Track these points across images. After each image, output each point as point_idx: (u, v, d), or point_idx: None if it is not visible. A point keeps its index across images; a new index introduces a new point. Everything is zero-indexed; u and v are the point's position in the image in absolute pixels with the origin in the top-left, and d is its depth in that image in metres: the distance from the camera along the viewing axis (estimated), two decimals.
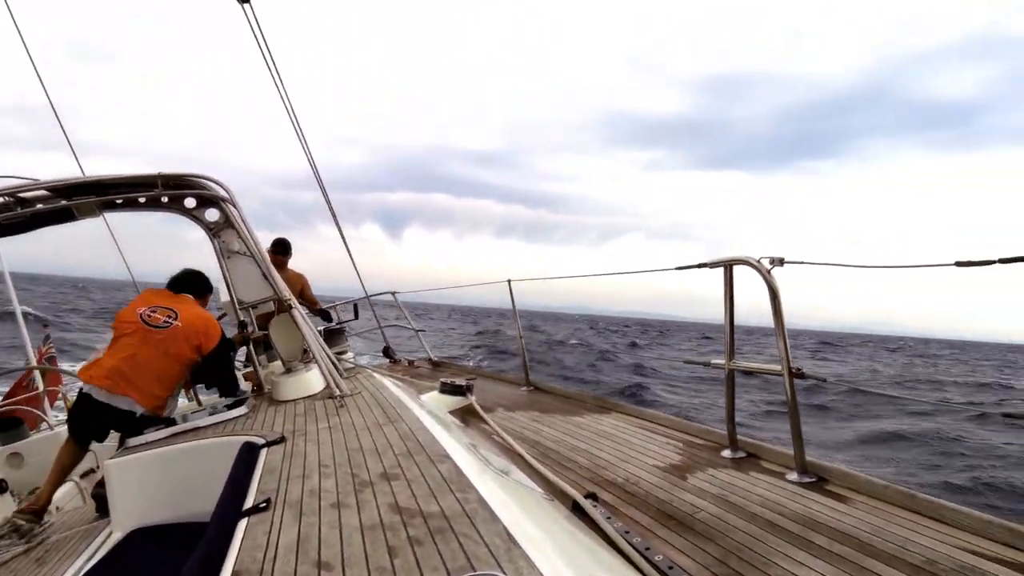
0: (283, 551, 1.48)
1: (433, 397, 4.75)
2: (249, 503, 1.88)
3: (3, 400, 6.40)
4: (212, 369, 3.79)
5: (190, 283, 3.89)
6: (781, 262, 2.76)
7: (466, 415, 4.48)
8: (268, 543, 1.54)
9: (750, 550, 2.22)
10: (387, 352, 8.49)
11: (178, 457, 3.00)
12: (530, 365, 5.92)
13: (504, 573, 1.22)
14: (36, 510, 3.36)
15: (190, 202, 4.06)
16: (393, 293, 8.17)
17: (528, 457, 3.24)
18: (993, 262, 2.00)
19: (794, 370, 2.85)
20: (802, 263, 2.73)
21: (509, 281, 5.67)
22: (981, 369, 39.64)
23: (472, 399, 4.68)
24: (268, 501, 1.85)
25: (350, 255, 7.24)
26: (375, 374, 4.51)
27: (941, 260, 2.17)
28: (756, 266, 2.86)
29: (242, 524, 1.70)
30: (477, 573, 1.22)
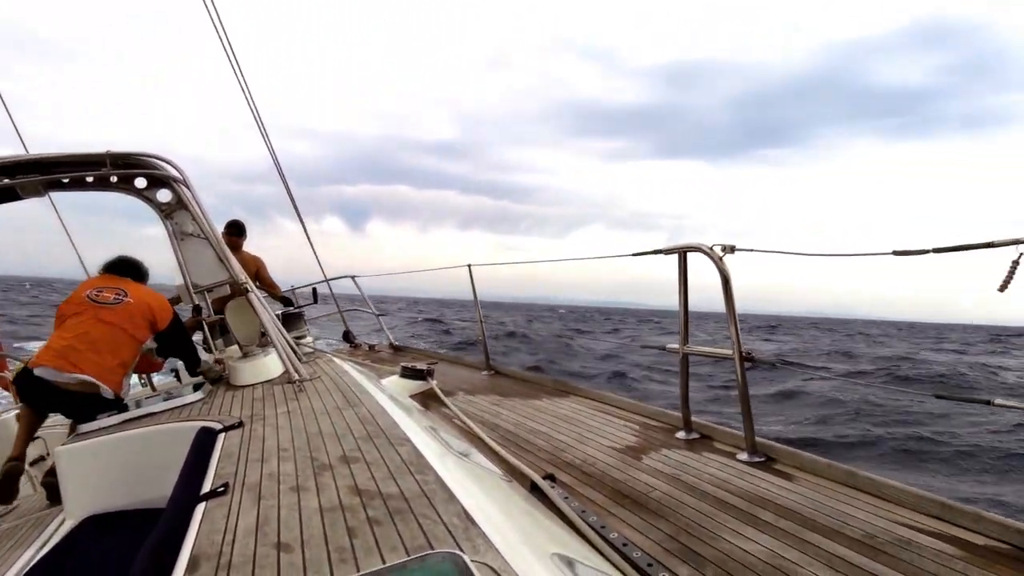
0: (242, 534, 1.49)
1: (394, 381, 4.74)
2: (207, 488, 1.87)
3: None
4: (171, 345, 3.78)
5: (128, 268, 3.77)
6: (732, 249, 2.85)
7: (427, 399, 4.50)
8: (227, 527, 1.54)
9: (699, 526, 2.31)
10: (347, 337, 8.43)
11: (132, 443, 2.94)
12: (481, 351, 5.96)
13: (462, 551, 1.25)
14: (16, 456, 3.28)
15: (140, 182, 3.94)
16: (352, 277, 8.11)
17: (488, 440, 3.28)
18: (928, 251, 2.11)
19: (745, 354, 2.96)
20: (752, 251, 2.82)
21: (470, 266, 5.70)
22: (915, 344, 42.11)
23: (433, 383, 4.70)
24: (226, 485, 1.84)
25: (308, 238, 7.14)
26: (335, 359, 4.48)
27: (882, 249, 2.28)
28: (708, 253, 2.93)
29: (200, 508, 1.70)
30: (435, 551, 1.25)
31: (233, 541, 1.45)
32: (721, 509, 2.45)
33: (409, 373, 4.81)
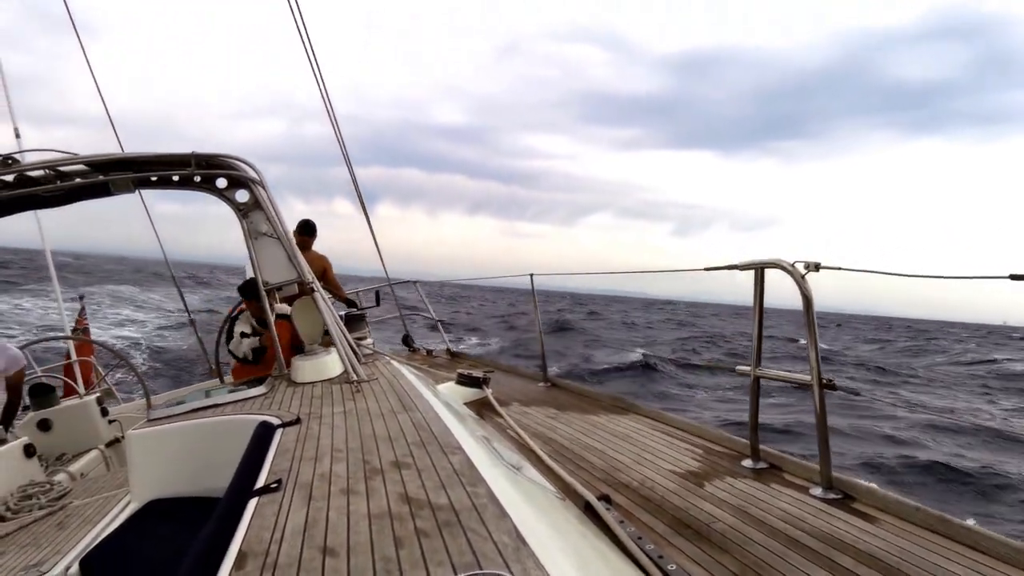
0: (290, 534, 1.46)
1: (449, 388, 4.72)
2: (261, 483, 1.87)
3: (42, 370, 6.57)
4: None
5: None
6: (816, 267, 2.65)
7: (482, 408, 4.45)
8: (276, 524, 1.52)
9: (769, 566, 2.13)
10: (406, 340, 8.52)
11: (197, 432, 3.02)
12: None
13: (511, 573, 1.17)
14: None
15: (221, 182, 4.09)
16: (415, 282, 8.20)
17: (542, 454, 3.19)
18: None
19: (825, 381, 2.75)
20: (839, 269, 2.63)
21: (531, 276, 5.64)
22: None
23: (488, 392, 4.65)
24: (279, 482, 1.83)
25: (374, 239, 7.22)
26: (393, 361, 4.50)
27: (996, 272, 2.07)
28: (790, 271, 2.74)
29: (252, 503, 1.69)
30: (484, 572, 1.18)
31: (281, 540, 1.43)
32: (793, 549, 2.26)
33: (465, 380, 4.78)
